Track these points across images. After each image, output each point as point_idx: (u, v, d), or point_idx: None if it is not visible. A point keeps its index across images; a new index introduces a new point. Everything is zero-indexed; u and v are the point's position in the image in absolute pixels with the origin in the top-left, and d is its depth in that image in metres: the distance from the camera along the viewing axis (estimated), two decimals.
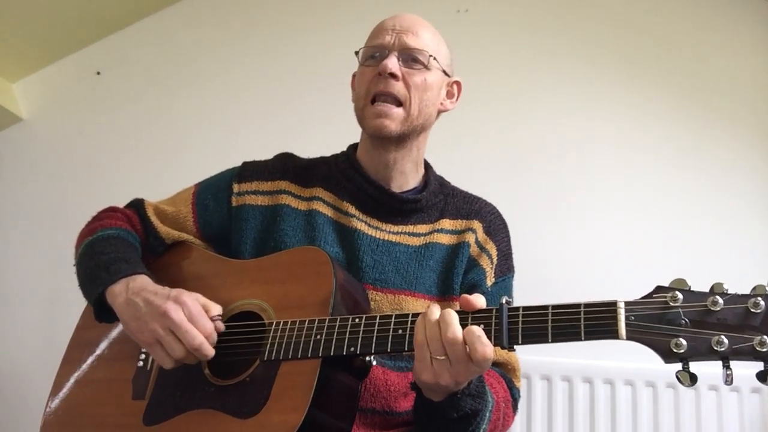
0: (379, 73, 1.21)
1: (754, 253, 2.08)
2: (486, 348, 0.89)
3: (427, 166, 1.37)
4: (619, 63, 2.29)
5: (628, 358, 1.97)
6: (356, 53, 1.29)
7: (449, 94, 1.33)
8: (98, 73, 2.55)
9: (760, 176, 2.16)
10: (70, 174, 2.47)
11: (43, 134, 2.53)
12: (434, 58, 1.25)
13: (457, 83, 1.34)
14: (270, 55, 2.48)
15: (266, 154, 1.41)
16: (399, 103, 1.22)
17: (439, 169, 1.43)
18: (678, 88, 2.25)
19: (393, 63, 1.21)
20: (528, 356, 1.94)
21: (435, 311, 0.94)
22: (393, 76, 1.21)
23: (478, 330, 0.90)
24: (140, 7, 2.52)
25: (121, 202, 1.40)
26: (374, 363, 1.05)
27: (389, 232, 1.25)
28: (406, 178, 1.30)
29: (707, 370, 1.94)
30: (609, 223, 2.17)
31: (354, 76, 1.34)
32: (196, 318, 1.05)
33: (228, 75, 2.49)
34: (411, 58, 1.23)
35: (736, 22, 2.27)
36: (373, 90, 1.22)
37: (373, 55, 1.26)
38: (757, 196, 2.14)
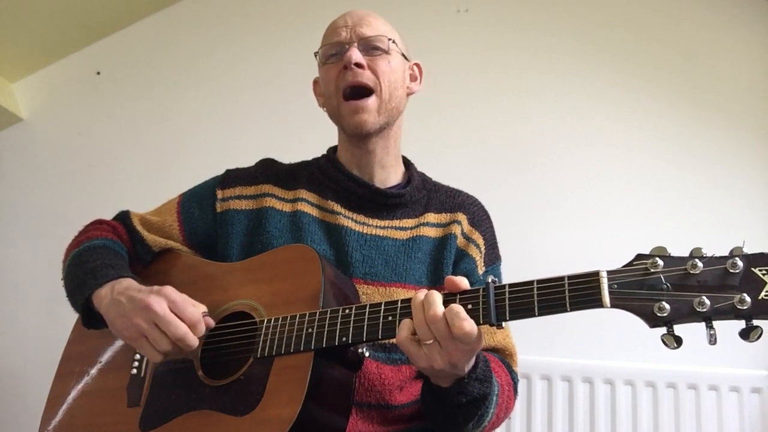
0: (345, 66, 1.23)
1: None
2: (464, 322, 0.89)
3: (408, 163, 1.38)
4: (619, 63, 2.29)
5: (628, 358, 1.97)
6: (315, 54, 1.31)
7: (412, 77, 1.35)
8: (98, 73, 2.55)
9: (760, 176, 2.15)
10: (70, 174, 2.48)
11: (43, 134, 2.54)
12: (393, 42, 1.28)
13: (417, 65, 1.37)
14: (270, 55, 2.49)
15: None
16: (370, 91, 1.24)
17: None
18: (677, 87, 2.25)
19: (356, 54, 1.23)
20: (528, 356, 1.94)
21: (420, 294, 0.95)
22: (359, 66, 1.23)
23: (457, 307, 0.91)
24: (140, 7, 2.53)
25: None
26: (367, 355, 1.06)
27: (376, 226, 1.26)
28: (388, 174, 1.31)
29: (707, 370, 1.94)
30: (609, 223, 2.17)
31: (315, 82, 1.37)
32: (180, 307, 1.05)
33: (228, 75, 2.49)
34: (371, 46, 1.26)
35: (736, 22, 2.27)
36: (342, 84, 1.24)
37: (332, 53, 1.28)
38: (757, 196, 2.14)
